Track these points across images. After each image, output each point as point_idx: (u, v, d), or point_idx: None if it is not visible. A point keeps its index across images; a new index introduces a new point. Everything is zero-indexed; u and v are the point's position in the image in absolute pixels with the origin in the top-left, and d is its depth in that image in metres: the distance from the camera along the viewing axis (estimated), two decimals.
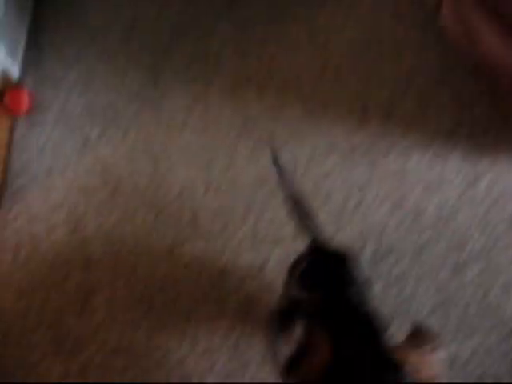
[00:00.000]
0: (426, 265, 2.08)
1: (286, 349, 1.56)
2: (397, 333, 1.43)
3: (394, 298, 2.03)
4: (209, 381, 1.93)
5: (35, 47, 2.52)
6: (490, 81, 2.31)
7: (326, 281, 1.57)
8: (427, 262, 2.08)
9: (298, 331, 1.57)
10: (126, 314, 2.04)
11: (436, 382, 1.33)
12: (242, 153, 2.25)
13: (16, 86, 2.41)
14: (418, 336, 1.43)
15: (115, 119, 2.35)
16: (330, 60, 2.40)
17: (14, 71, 2.42)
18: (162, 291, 2.06)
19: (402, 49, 2.40)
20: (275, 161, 1.83)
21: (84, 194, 2.23)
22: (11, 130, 2.37)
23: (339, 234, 2.12)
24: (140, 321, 2.03)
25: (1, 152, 2.28)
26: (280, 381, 1.49)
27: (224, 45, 2.46)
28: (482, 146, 2.25)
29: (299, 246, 2.09)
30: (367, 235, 2.11)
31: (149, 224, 2.16)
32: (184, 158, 2.26)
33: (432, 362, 1.35)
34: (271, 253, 2.10)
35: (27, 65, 2.48)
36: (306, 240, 1.69)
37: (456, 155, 2.24)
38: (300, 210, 1.74)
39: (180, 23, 2.52)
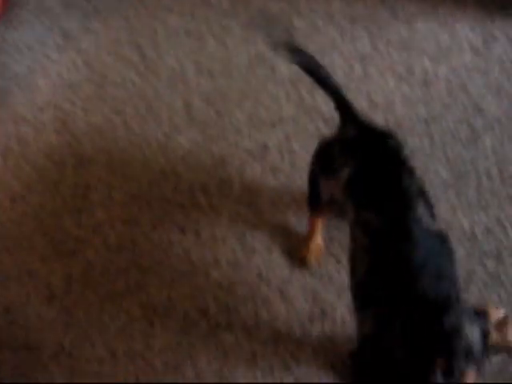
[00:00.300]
0: (437, 138, 1.95)
1: None
2: None
3: None
4: (214, 273, 1.86)
5: None
6: None
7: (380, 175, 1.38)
8: (438, 136, 1.96)
9: None
10: (124, 211, 1.95)
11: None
12: (234, 33, 2.10)
13: None
14: None
15: (95, 10, 2.19)
16: None
17: None
18: (159, 185, 1.97)
19: None
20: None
21: (69, 91, 2.10)
22: None
23: None
24: (139, 217, 1.94)
25: None
26: None
27: None
28: (492, 9, 2.08)
29: (301, 127, 1.98)
30: (373, 111, 1.98)
31: (140, 116, 2.04)
32: (172, 44, 2.11)
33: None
34: (271, 136, 1.98)
35: None
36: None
37: (465, 20, 2.08)
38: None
39: None
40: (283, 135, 1.98)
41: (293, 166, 1.94)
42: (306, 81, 2.00)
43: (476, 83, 1.99)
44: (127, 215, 1.95)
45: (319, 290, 1.79)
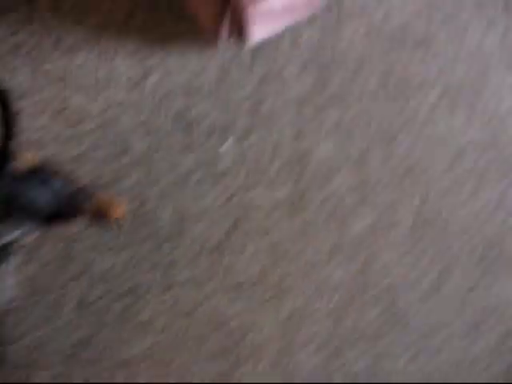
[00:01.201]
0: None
1: None
2: None
3: None
4: None
5: None
6: None
7: None
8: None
9: None
10: None
11: None
12: None
13: None
14: None
15: None
16: None
17: None
18: None
19: None
20: None
21: None
22: None
23: None
24: None
25: None
26: None
27: None
28: (153, 40, 2.15)
29: None
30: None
31: None
32: None
33: None
34: None
35: None
36: None
37: (125, 51, 2.14)
38: None
39: None
40: None
41: None
42: None
43: (129, 117, 2.11)
44: None
45: None
